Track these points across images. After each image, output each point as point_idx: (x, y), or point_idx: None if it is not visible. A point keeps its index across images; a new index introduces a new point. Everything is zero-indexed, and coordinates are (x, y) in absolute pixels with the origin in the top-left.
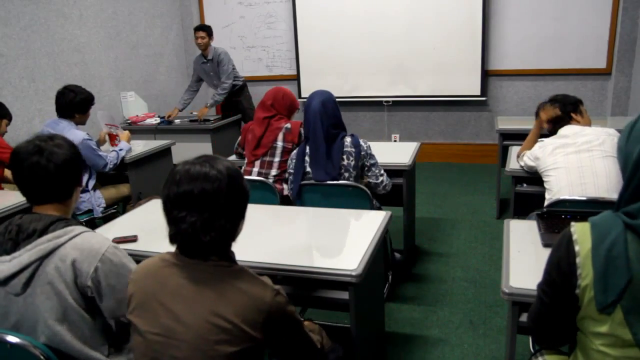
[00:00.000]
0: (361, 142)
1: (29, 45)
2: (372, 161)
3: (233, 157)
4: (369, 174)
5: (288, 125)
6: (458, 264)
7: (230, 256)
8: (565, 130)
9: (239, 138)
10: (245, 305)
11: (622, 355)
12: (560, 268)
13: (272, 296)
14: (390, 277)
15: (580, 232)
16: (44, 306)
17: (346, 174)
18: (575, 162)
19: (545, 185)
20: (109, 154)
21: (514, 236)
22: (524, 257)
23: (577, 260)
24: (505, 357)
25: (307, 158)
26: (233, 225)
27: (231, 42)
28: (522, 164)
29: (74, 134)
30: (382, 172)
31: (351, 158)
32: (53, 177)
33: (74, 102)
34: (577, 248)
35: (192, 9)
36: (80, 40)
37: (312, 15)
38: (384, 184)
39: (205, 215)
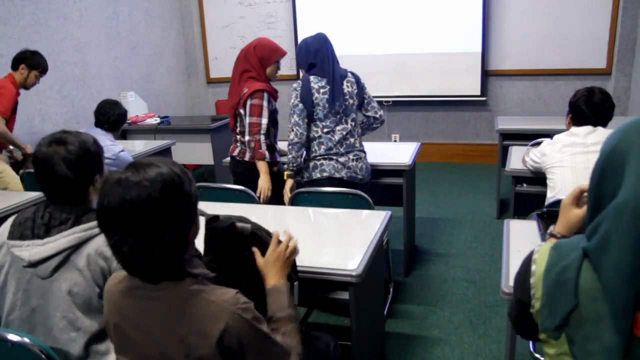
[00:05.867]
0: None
1: (29, 45)
2: (370, 95)
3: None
4: (369, 107)
5: (245, 89)
6: (458, 264)
7: (186, 271)
8: (578, 129)
9: None
10: (196, 338)
11: None
12: (520, 285)
13: (228, 319)
14: (391, 289)
15: (541, 253)
16: (70, 291)
17: (350, 101)
18: (583, 163)
19: (549, 182)
20: None
21: (514, 236)
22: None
23: (532, 280)
24: (505, 357)
25: (316, 95)
26: (179, 238)
27: (231, 42)
28: (528, 159)
29: (116, 147)
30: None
31: (354, 86)
32: (62, 184)
33: (121, 115)
34: (533, 268)
35: (192, 9)
36: (80, 40)
37: (312, 15)
38: (382, 117)
39: (141, 237)
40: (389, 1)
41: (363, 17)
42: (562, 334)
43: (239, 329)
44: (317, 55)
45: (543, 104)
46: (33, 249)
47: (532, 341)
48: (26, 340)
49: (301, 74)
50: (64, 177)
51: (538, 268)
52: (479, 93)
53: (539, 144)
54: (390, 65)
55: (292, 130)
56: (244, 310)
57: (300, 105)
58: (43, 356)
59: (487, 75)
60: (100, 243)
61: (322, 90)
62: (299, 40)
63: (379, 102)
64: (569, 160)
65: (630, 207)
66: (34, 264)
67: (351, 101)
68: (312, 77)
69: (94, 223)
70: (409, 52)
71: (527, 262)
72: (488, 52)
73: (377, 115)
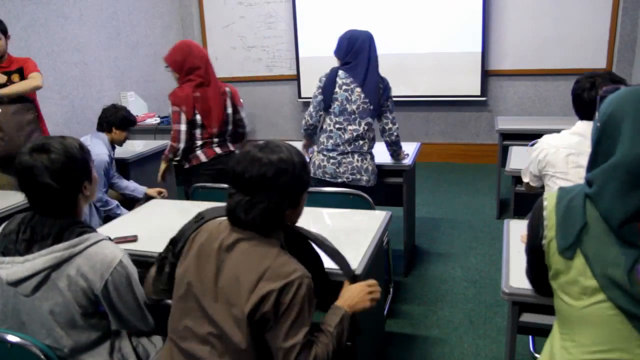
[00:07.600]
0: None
1: (29, 45)
2: (391, 106)
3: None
4: (382, 117)
5: (227, 89)
6: (458, 264)
7: (272, 236)
8: (582, 126)
9: (181, 114)
10: (261, 295)
11: (591, 303)
12: (532, 224)
13: (287, 281)
14: (391, 289)
15: (550, 194)
16: (51, 311)
17: (370, 105)
18: (584, 172)
19: (547, 190)
20: (110, 200)
21: (514, 236)
22: (524, 257)
23: (544, 213)
24: (505, 357)
25: (337, 90)
26: (276, 211)
27: (231, 42)
28: (527, 180)
29: (98, 148)
30: (395, 121)
31: (379, 92)
32: (46, 195)
33: (115, 117)
34: (545, 203)
35: (192, 9)
36: (80, 40)
37: (312, 15)
38: (394, 132)
39: (247, 198)
40: (389, 1)
41: (363, 17)
42: (575, 253)
43: (289, 291)
44: (356, 55)
45: (543, 104)
46: (12, 268)
47: (539, 288)
48: (25, 341)
49: (336, 62)
50: (49, 188)
51: (549, 203)
52: (479, 93)
53: None
54: (389, 65)
55: (305, 118)
56: (303, 285)
57: (320, 97)
58: (42, 357)
59: (487, 75)
60: (81, 263)
61: (344, 87)
62: (299, 41)
63: None
64: (573, 173)
65: (622, 166)
66: (14, 284)
67: (370, 106)
68: (341, 72)
69: (76, 240)
70: (409, 52)
71: (539, 204)
72: (488, 52)
73: (387, 128)
